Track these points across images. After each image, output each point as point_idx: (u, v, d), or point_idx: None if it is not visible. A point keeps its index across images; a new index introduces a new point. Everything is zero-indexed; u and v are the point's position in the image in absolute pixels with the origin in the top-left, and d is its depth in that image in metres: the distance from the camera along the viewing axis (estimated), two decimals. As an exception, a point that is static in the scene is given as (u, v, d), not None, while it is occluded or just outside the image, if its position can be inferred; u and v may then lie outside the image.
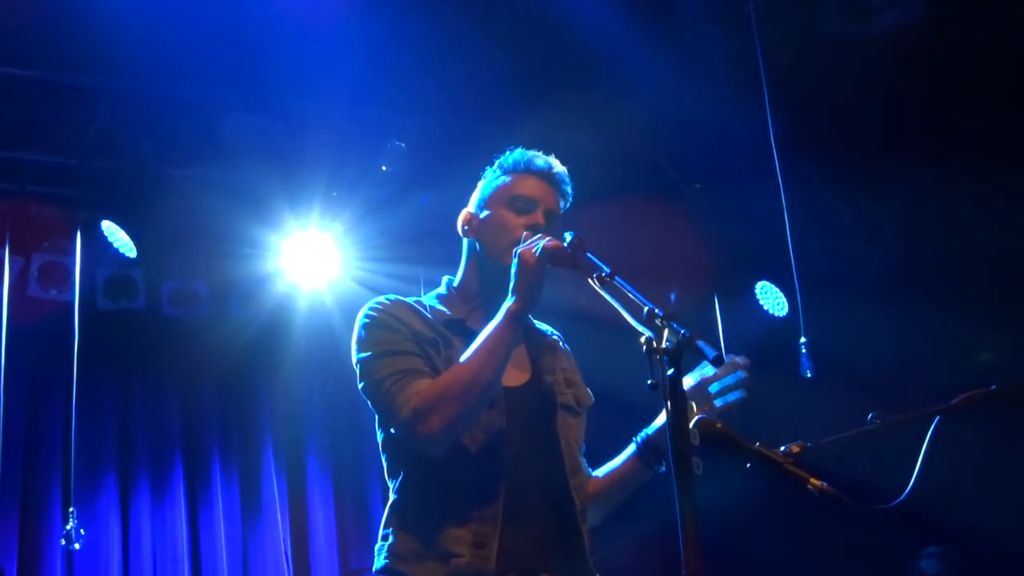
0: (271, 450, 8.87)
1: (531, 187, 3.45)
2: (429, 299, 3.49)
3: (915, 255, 9.85)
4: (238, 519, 8.63)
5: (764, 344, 9.12)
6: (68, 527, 7.24)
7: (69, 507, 7.39)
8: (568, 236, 3.18)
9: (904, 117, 8.32)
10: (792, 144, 7.50)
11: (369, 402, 3.32)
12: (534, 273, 3.17)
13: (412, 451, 3.23)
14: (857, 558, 9.08)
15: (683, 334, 2.59)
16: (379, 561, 3.28)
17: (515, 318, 3.19)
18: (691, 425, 2.63)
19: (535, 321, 3.57)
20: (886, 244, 9.79)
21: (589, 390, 3.61)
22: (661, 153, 9.02)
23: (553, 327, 3.67)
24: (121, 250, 7.83)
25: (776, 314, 9.44)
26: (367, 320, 3.35)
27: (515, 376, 3.36)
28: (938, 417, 3.08)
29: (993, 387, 3.18)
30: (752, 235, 9.11)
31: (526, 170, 3.48)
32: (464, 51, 7.20)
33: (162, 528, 8.32)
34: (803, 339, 7.45)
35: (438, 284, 3.59)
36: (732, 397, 3.25)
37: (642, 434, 3.42)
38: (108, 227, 7.78)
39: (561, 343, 3.61)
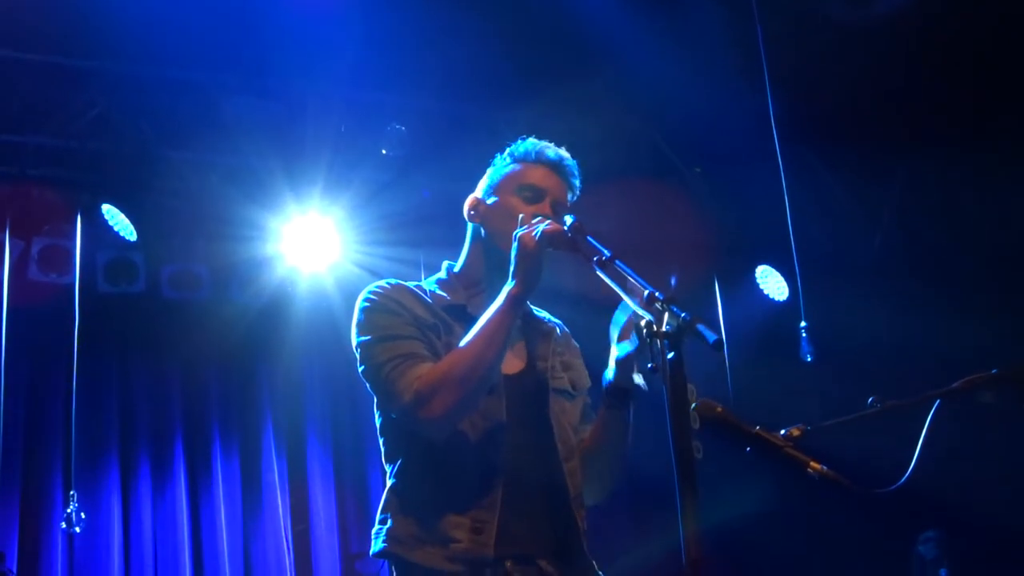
0: (271, 433, 8.88)
1: (540, 176, 3.43)
2: (429, 284, 3.47)
3: (915, 239, 9.86)
4: (238, 502, 8.65)
5: (764, 328, 9.14)
6: (69, 510, 7.25)
7: (70, 490, 7.41)
8: (568, 220, 3.17)
9: (904, 101, 8.32)
10: (792, 128, 7.50)
11: (369, 386, 3.31)
12: (534, 257, 3.16)
13: (411, 435, 3.23)
14: (857, 542, 9.09)
15: (683, 318, 2.58)
16: (377, 545, 3.28)
17: (515, 302, 3.18)
18: (691, 409, 2.62)
19: (534, 309, 3.55)
20: (886, 228, 9.79)
21: (587, 373, 3.60)
22: (661, 136, 9.02)
23: (554, 314, 3.66)
24: (121, 233, 7.83)
25: (776, 298, 9.44)
26: (367, 304, 3.34)
27: (513, 364, 3.35)
28: (938, 401, 3.08)
29: (994, 371, 3.17)
30: (752, 219, 9.11)
31: (536, 159, 3.46)
32: (464, 34, 7.18)
33: (163, 511, 8.34)
34: (803, 323, 7.46)
35: (439, 268, 3.58)
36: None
37: (605, 379, 3.37)
38: (108, 210, 7.78)
39: (559, 329, 3.59)
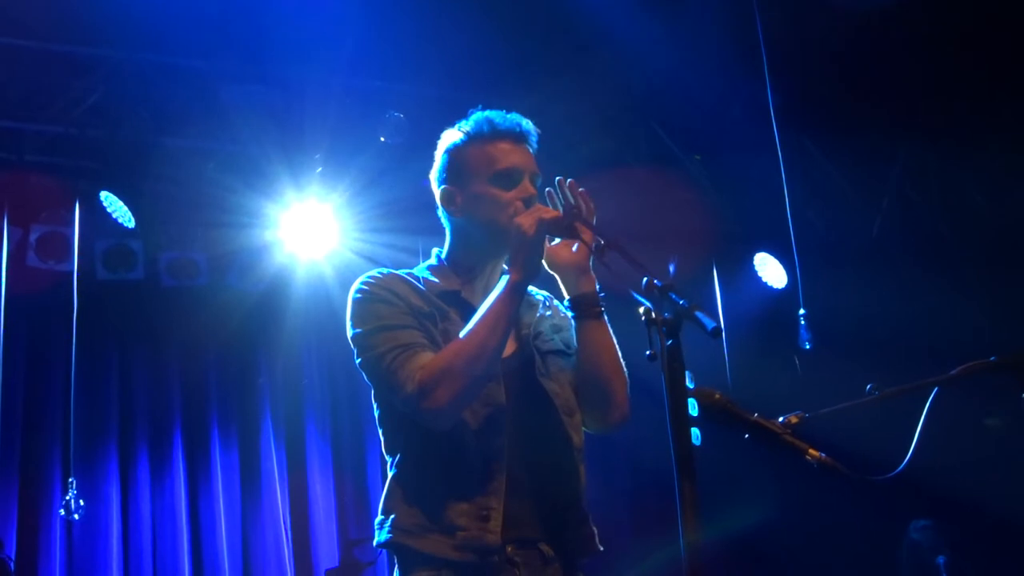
0: (270, 420, 8.89)
1: (510, 156, 3.37)
2: (420, 271, 3.46)
3: (914, 225, 9.86)
4: (237, 489, 8.65)
5: (763, 316, 9.14)
6: (67, 497, 7.25)
7: (69, 478, 7.41)
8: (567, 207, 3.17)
9: (902, 87, 8.32)
10: (791, 115, 7.50)
11: (368, 377, 3.31)
12: (533, 244, 3.16)
13: (413, 425, 3.22)
14: (855, 528, 9.10)
15: (682, 305, 2.58)
16: (382, 535, 3.27)
17: (516, 289, 3.19)
18: (689, 396, 2.63)
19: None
20: (885, 214, 9.79)
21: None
22: (660, 124, 9.01)
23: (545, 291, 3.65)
24: (120, 220, 7.82)
25: (775, 286, 9.44)
26: (362, 294, 3.33)
27: (507, 346, 3.34)
28: (936, 388, 3.08)
29: (992, 358, 3.18)
30: (751, 206, 9.11)
31: (494, 135, 3.39)
32: (463, 21, 7.17)
33: (161, 499, 8.34)
34: (802, 311, 7.47)
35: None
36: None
37: (566, 303, 3.40)
38: (107, 197, 7.76)
39: (544, 299, 3.58)
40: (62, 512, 7.35)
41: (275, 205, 8.12)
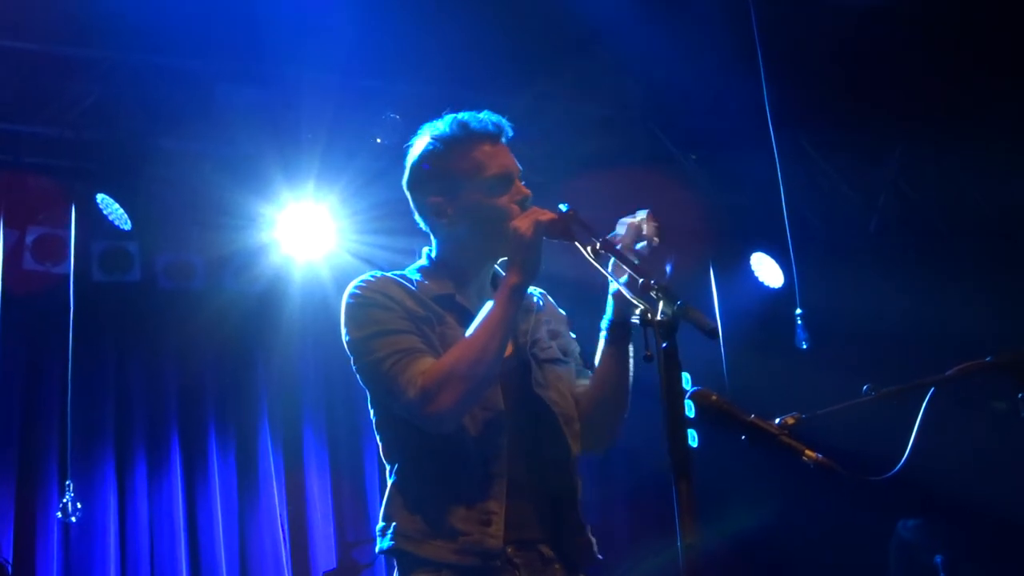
0: (267, 422, 8.88)
1: (496, 159, 3.35)
2: (412, 273, 3.43)
3: (911, 223, 9.86)
4: (234, 491, 8.65)
5: (760, 316, 9.14)
6: (65, 500, 7.25)
7: (66, 480, 7.40)
8: (563, 207, 3.16)
9: (898, 84, 8.32)
10: (787, 113, 7.49)
11: (367, 383, 3.30)
12: (532, 247, 3.15)
13: (413, 431, 3.20)
14: (851, 528, 9.10)
15: (678, 305, 2.58)
16: (384, 543, 3.27)
17: (516, 292, 3.17)
18: (686, 397, 2.63)
19: None
20: (882, 213, 9.79)
21: (574, 339, 3.59)
22: (656, 122, 9.01)
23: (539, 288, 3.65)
24: (116, 223, 7.82)
25: (771, 286, 9.44)
26: (357, 299, 3.31)
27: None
28: (933, 388, 3.09)
29: (988, 358, 3.18)
30: (748, 206, 9.11)
31: (474, 138, 3.36)
32: (459, 21, 7.17)
33: (159, 501, 8.33)
34: (798, 311, 7.46)
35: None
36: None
37: (605, 320, 3.38)
38: (103, 199, 7.76)
39: (539, 300, 3.57)
40: (59, 515, 7.35)
41: (271, 206, 8.11)
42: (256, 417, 8.87)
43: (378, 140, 7.89)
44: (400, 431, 3.28)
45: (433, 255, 3.47)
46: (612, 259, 3.10)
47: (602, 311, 3.39)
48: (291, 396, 9.06)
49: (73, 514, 7.26)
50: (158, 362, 8.65)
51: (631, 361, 3.39)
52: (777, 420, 2.83)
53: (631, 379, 3.42)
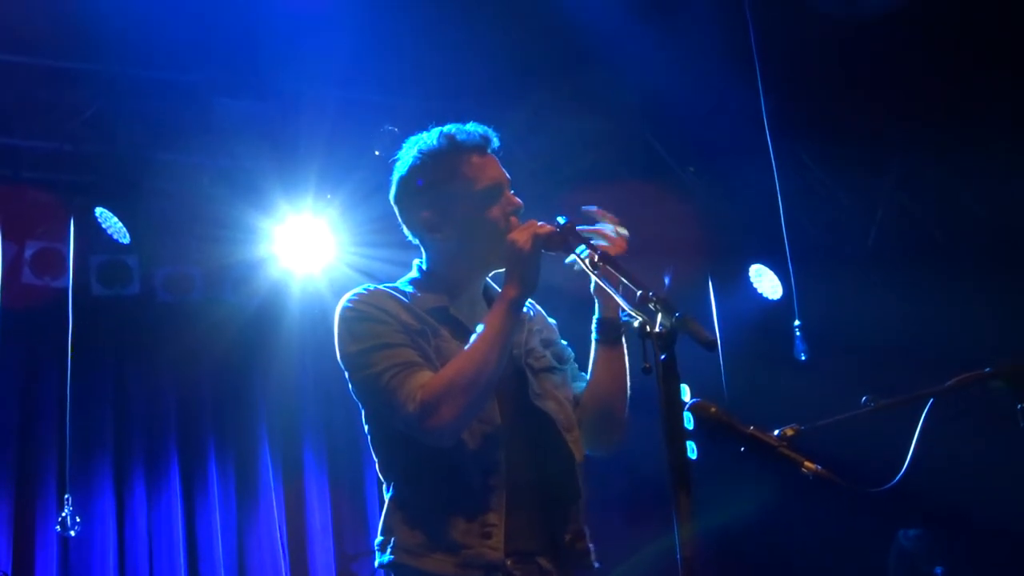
0: (266, 435, 8.87)
1: (486, 171, 3.35)
2: (404, 285, 3.42)
3: (910, 234, 9.87)
4: (233, 504, 8.64)
5: (758, 327, 9.14)
6: (64, 514, 7.24)
7: (65, 494, 7.41)
8: (561, 220, 3.16)
9: (896, 95, 8.33)
10: (785, 125, 7.50)
11: (364, 397, 3.29)
12: (530, 260, 3.14)
13: (411, 445, 3.19)
14: (850, 539, 9.10)
15: (676, 317, 2.58)
16: (384, 557, 3.26)
17: (514, 306, 3.17)
18: (685, 409, 2.63)
19: None
20: (881, 224, 9.80)
21: (566, 346, 3.58)
22: (653, 134, 9.02)
23: (548, 313, 3.64)
24: (115, 236, 7.82)
25: (770, 297, 9.45)
26: (352, 312, 3.29)
27: None
28: (932, 399, 3.09)
29: (987, 369, 3.18)
30: (746, 218, 9.12)
31: (462, 150, 3.35)
32: (457, 34, 7.18)
33: (158, 514, 8.33)
34: (797, 322, 7.47)
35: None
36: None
37: (594, 321, 3.38)
38: (102, 213, 7.77)
39: (531, 310, 3.55)
40: (58, 528, 7.35)
41: (270, 219, 8.12)
42: (255, 430, 8.86)
43: (376, 153, 7.89)
44: (397, 445, 3.26)
45: (425, 267, 3.46)
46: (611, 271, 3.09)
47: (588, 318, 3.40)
48: (290, 408, 9.05)
49: (72, 528, 7.25)
50: (157, 375, 8.64)
51: (626, 358, 3.39)
52: (776, 432, 2.83)
53: (628, 375, 3.42)
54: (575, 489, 3.34)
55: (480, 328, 3.17)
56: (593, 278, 3.06)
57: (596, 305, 3.35)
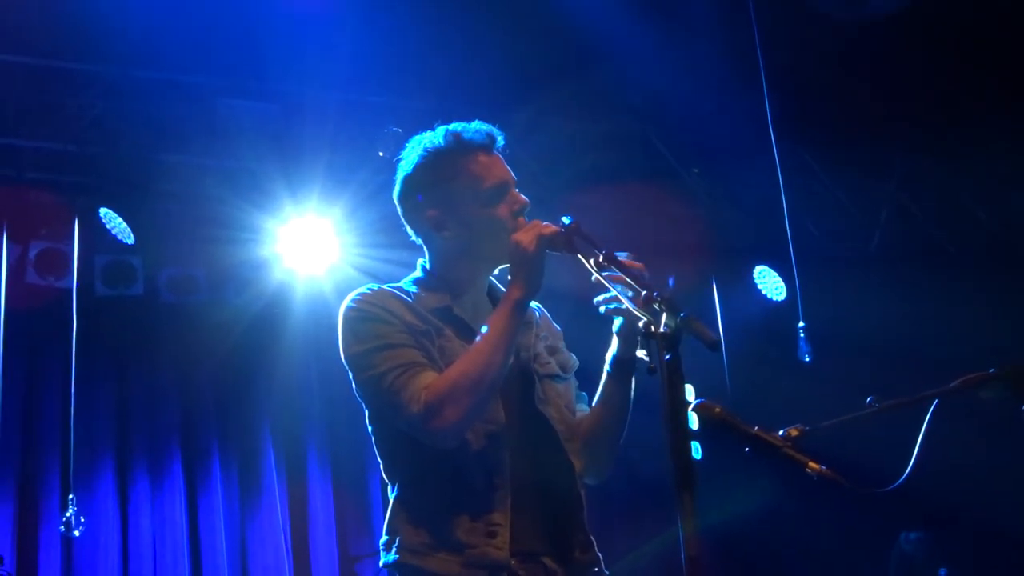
0: (269, 436, 8.87)
1: (492, 170, 3.32)
2: (408, 285, 3.41)
3: (913, 236, 9.87)
4: (237, 505, 8.64)
5: (762, 328, 9.14)
6: (68, 514, 7.25)
7: (69, 494, 7.41)
8: (566, 220, 3.14)
9: (899, 99, 8.33)
10: (789, 127, 7.50)
11: (367, 397, 3.27)
12: (534, 260, 3.13)
13: (414, 446, 3.17)
14: (855, 541, 9.10)
15: (681, 318, 2.58)
16: (388, 557, 3.24)
17: (519, 307, 3.15)
18: (690, 409, 2.62)
19: None
20: (884, 226, 9.80)
21: (572, 355, 3.57)
22: (657, 136, 9.02)
23: (551, 314, 3.64)
24: (119, 237, 7.83)
25: (774, 298, 9.45)
26: (356, 312, 3.28)
27: None
28: (936, 400, 3.08)
29: (991, 370, 3.18)
30: (750, 219, 9.12)
31: (468, 149, 3.33)
32: (460, 36, 7.19)
33: (161, 514, 8.33)
34: (801, 323, 7.46)
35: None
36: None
37: (609, 355, 3.36)
38: (106, 214, 7.77)
39: (537, 313, 3.54)
40: (62, 529, 7.35)
41: (274, 220, 8.12)
42: (258, 430, 8.86)
43: (380, 154, 7.90)
44: (401, 446, 3.25)
45: (429, 267, 3.44)
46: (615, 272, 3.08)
47: (601, 324, 3.39)
48: (293, 409, 9.05)
49: (76, 528, 7.26)
50: (160, 375, 8.65)
51: (631, 402, 3.39)
52: (780, 432, 2.82)
53: (629, 414, 3.42)
54: (577, 497, 3.33)
55: (484, 329, 3.17)
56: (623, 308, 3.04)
57: (614, 341, 3.34)
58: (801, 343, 7.49)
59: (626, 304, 2.95)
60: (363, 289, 3.34)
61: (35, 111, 7.47)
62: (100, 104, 7.52)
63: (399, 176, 3.43)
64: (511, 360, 3.22)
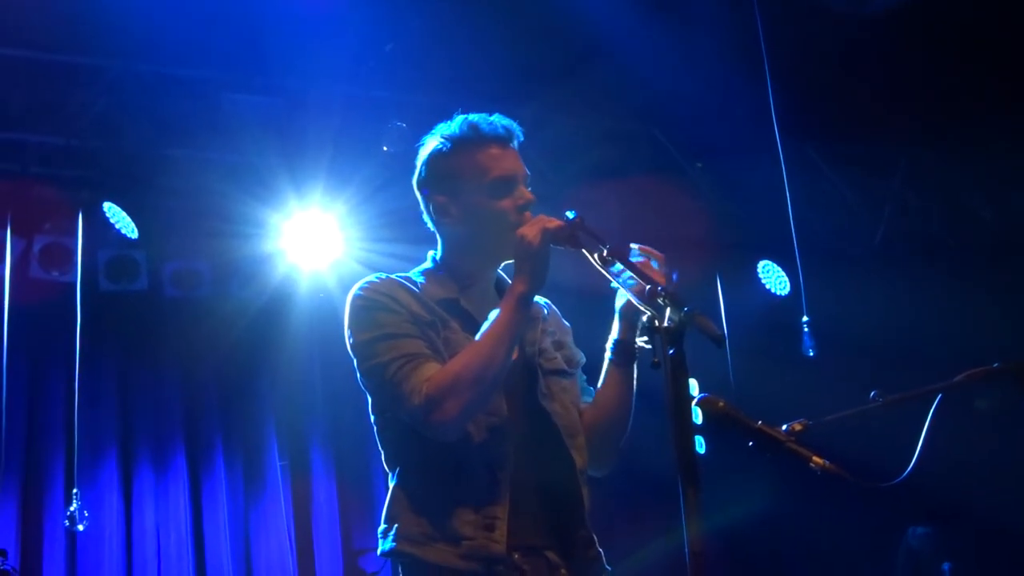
0: (273, 430, 8.88)
1: (502, 163, 3.33)
2: (416, 275, 3.42)
3: (917, 231, 9.87)
4: (240, 499, 8.65)
5: (766, 323, 9.14)
6: (72, 508, 7.26)
7: (73, 488, 7.42)
8: (570, 215, 3.14)
9: (904, 94, 8.33)
10: (793, 122, 7.50)
11: (370, 386, 3.28)
12: (539, 255, 3.13)
13: (415, 436, 3.18)
14: (858, 535, 9.10)
15: (684, 312, 2.58)
16: (385, 544, 3.24)
17: (523, 300, 3.15)
18: (693, 404, 2.63)
19: None
20: (888, 221, 9.80)
21: (579, 350, 3.57)
22: (661, 131, 9.02)
23: (547, 299, 3.63)
24: (123, 231, 7.83)
25: (778, 293, 9.45)
26: (362, 301, 3.29)
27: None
28: (940, 395, 3.08)
29: (995, 364, 3.18)
30: (754, 214, 9.12)
31: (483, 140, 3.34)
32: (465, 31, 7.18)
33: (165, 509, 8.33)
34: (805, 318, 7.47)
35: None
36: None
37: (610, 341, 3.37)
38: (110, 208, 7.78)
39: (545, 309, 3.55)
40: (66, 523, 7.36)
41: (278, 215, 8.12)
42: (262, 425, 8.87)
43: (385, 148, 7.90)
44: (403, 436, 3.26)
45: (438, 257, 3.45)
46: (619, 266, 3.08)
47: (607, 319, 3.39)
48: (297, 404, 9.06)
49: (80, 523, 7.27)
50: (164, 370, 8.65)
51: (635, 383, 3.39)
52: (784, 427, 2.83)
53: (634, 401, 3.42)
54: (577, 494, 3.32)
55: (488, 323, 3.17)
56: (625, 292, 3.04)
57: (616, 325, 3.34)
58: (805, 338, 7.49)
59: (630, 297, 2.95)
60: (371, 278, 3.35)
61: (39, 106, 7.48)
62: (104, 99, 7.53)
63: (417, 160, 3.46)
64: (514, 354, 3.22)
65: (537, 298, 3.48)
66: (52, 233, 7.86)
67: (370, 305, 3.27)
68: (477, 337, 3.16)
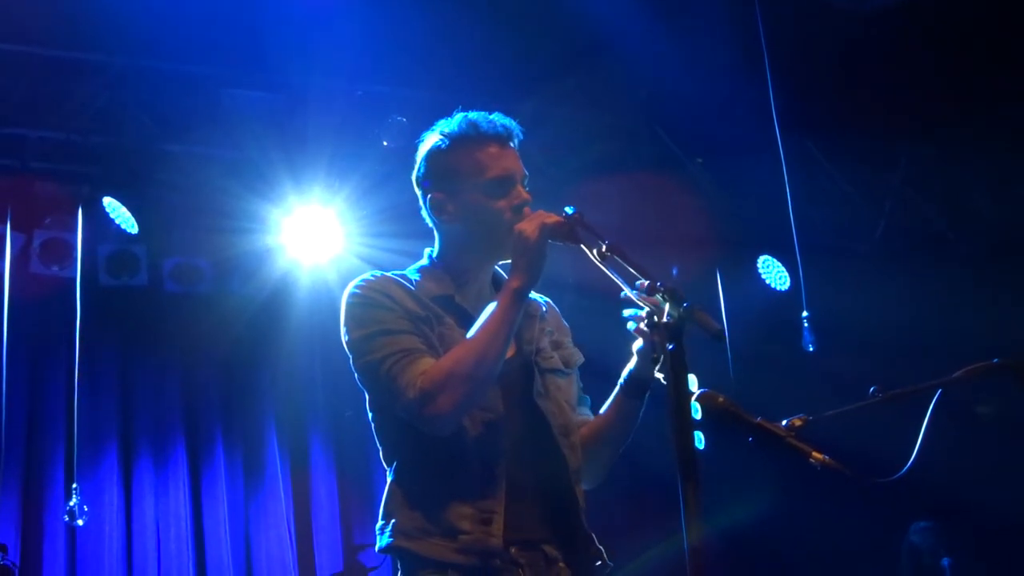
0: (273, 426, 8.88)
1: (500, 162, 3.33)
2: (411, 272, 3.43)
3: (917, 227, 9.87)
4: (241, 495, 8.65)
5: (766, 318, 9.14)
6: (72, 503, 7.26)
7: (72, 483, 7.42)
8: (569, 210, 3.15)
9: (904, 89, 8.32)
10: (793, 117, 7.50)
11: (366, 382, 3.30)
12: (536, 250, 3.13)
13: (412, 431, 3.19)
14: (859, 531, 9.10)
15: (684, 308, 2.58)
16: (383, 540, 3.27)
17: (519, 296, 3.16)
18: (693, 399, 2.63)
19: None
20: (888, 216, 9.80)
21: (578, 350, 3.57)
22: (662, 127, 9.01)
23: (554, 303, 3.64)
24: (123, 226, 7.83)
25: (778, 288, 9.44)
26: (357, 298, 3.31)
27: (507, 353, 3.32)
28: (940, 390, 3.08)
29: (995, 360, 3.18)
30: (754, 209, 9.12)
31: (482, 139, 3.34)
32: (465, 26, 7.18)
33: (165, 505, 8.34)
34: (805, 313, 7.47)
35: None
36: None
37: (625, 372, 3.35)
38: (110, 203, 7.77)
39: (544, 307, 3.56)
40: (66, 518, 7.35)
41: (278, 210, 8.12)
42: (262, 420, 8.87)
43: (385, 143, 7.90)
44: (399, 431, 3.27)
45: (434, 254, 3.47)
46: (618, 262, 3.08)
47: (604, 314, 3.38)
48: (297, 399, 9.06)
49: (80, 518, 7.27)
50: (164, 365, 8.65)
51: (639, 417, 3.40)
52: (784, 422, 2.82)
53: (633, 432, 3.44)
54: (571, 491, 3.33)
55: (483, 317, 3.18)
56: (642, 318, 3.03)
57: (633, 360, 3.32)
58: (805, 333, 7.50)
59: (629, 293, 2.95)
60: (366, 275, 3.38)
61: (39, 101, 7.48)
62: (104, 94, 7.53)
63: (417, 156, 3.48)
64: (509, 350, 3.23)
65: (537, 296, 3.51)
66: (52, 228, 7.87)
67: (365, 302, 3.29)
68: (472, 332, 3.17)
